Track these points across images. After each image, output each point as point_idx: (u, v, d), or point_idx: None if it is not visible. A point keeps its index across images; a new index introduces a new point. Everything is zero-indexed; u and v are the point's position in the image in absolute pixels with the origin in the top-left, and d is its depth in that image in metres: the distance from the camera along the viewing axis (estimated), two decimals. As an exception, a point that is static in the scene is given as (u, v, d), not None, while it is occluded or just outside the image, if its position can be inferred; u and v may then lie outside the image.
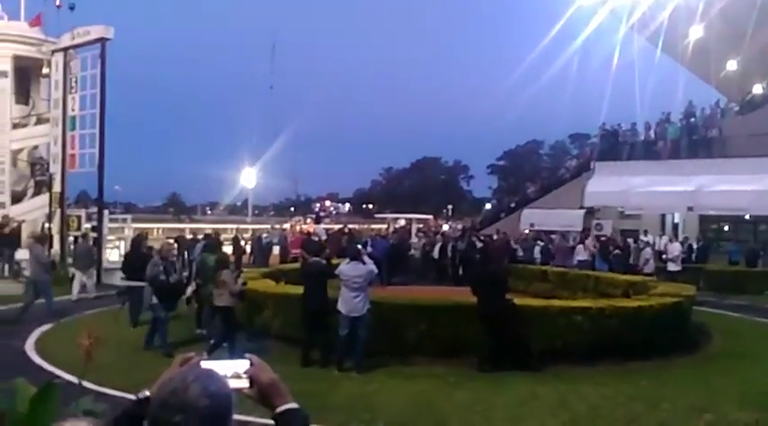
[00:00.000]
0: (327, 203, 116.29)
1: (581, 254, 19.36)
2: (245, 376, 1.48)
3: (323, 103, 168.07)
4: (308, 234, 22.41)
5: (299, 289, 9.84)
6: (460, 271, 21.73)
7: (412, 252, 23.80)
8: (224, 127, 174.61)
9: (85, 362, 3.22)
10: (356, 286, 8.90)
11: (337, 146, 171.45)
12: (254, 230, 29.54)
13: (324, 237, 22.29)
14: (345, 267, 9.12)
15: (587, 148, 36.70)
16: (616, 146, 28.90)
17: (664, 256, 19.82)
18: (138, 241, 13.46)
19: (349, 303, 8.88)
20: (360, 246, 10.95)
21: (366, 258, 9.21)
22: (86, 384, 4.02)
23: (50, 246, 19.71)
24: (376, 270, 9.16)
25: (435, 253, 21.82)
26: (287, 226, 32.21)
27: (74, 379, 4.39)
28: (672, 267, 18.73)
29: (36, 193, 21.27)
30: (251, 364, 1.50)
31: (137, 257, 12.38)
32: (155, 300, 9.97)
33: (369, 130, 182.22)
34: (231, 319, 9.66)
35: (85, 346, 3.26)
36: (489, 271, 9.85)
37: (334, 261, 10.74)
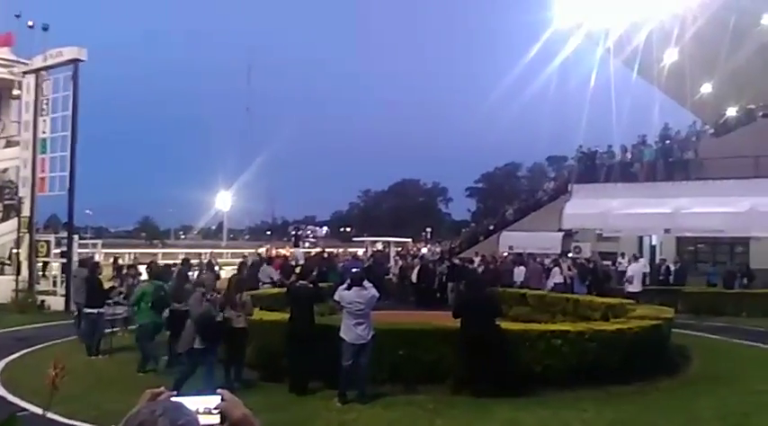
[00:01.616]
0: (308, 230, 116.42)
1: (556, 277, 19.46)
2: (215, 411, 1.45)
3: (300, 124, 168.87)
4: (285, 258, 22.30)
5: (276, 316, 9.75)
6: (438, 295, 21.94)
7: (390, 276, 23.87)
8: (199, 149, 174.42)
9: (51, 393, 3.15)
10: (360, 312, 8.72)
11: (315, 168, 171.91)
12: (232, 253, 29.38)
13: (302, 261, 22.23)
14: (346, 293, 8.88)
15: (565, 171, 37.26)
16: (593, 168, 29.29)
17: (624, 278, 19.94)
18: (93, 267, 13.27)
19: (353, 330, 8.71)
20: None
21: (367, 283, 9.00)
22: (52, 416, 3.93)
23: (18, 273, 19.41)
24: (378, 295, 9.07)
25: (413, 277, 21.90)
26: (262, 250, 32.06)
27: (39, 411, 4.29)
28: (631, 288, 18.79)
29: (4, 218, 20.94)
30: (222, 399, 1.48)
31: (92, 283, 12.33)
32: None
33: (347, 152, 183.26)
34: (245, 341, 9.62)
35: (51, 376, 3.19)
36: (481, 295, 9.77)
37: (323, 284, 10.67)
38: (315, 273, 10.45)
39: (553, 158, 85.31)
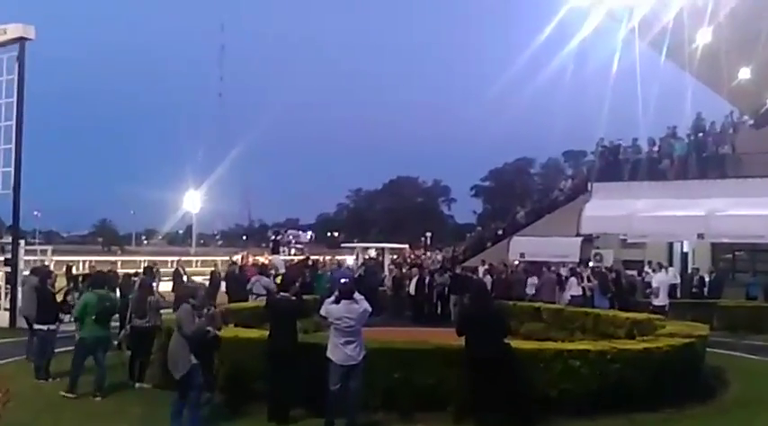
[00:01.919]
0: (290, 235, 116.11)
1: (574, 289, 19.53)
2: None
3: (281, 114, 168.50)
4: (264, 266, 22.26)
5: (253, 333, 9.72)
6: (439, 309, 22.01)
7: (384, 287, 23.88)
8: (165, 142, 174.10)
9: (-6, 422, 3.15)
10: (350, 329, 8.69)
11: (298, 164, 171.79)
12: (202, 261, 29.39)
13: (282, 270, 22.20)
14: (334, 307, 8.84)
15: (584, 167, 37.35)
16: (616, 164, 29.37)
17: (648, 290, 20.04)
18: (45, 276, 13.14)
19: (341, 350, 8.67)
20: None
21: (357, 295, 8.96)
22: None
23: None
24: (370, 310, 9.03)
25: (411, 289, 21.94)
26: (237, 257, 32.07)
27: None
28: (657, 301, 18.90)
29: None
30: None
31: (44, 295, 12.29)
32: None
33: (335, 146, 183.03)
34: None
35: (-6, 402, 3.18)
36: (488, 310, 9.74)
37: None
38: (298, 284, 10.38)
39: (570, 153, 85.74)
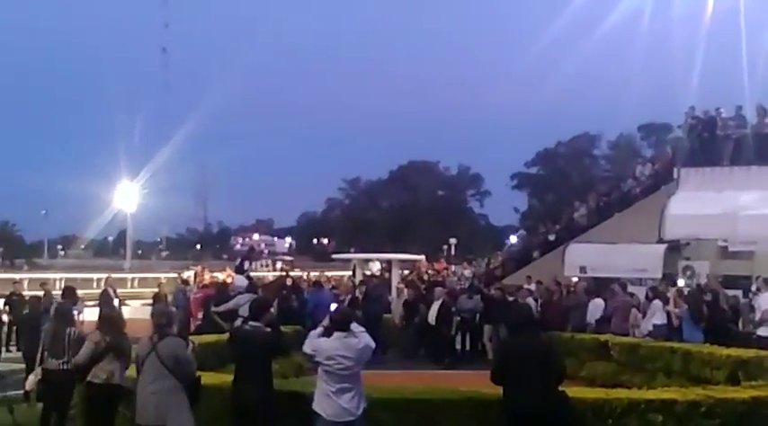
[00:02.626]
0: (256, 236, 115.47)
1: (656, 316, 19.33)
2: None
3: (249, 84, 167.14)
4: (225, 285, 22.28)
5: (211, 378, 9.69)
6: (468, 345, 21.95)
7: (391, 314, 23.85)
8: (89, 120, 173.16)
9: None
10: (345, 373, 8.71)
11: (271, 147, 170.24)
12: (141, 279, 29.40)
13: (243, 301, 22.11)
14: (325, 342, 8.88)
15: (667, 147, 37.08)
16: (713, 142, 29.25)
17: (751, 315, 19.96)
18: None
19: (333, 401, 8.68)
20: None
21: (356, 326, 9.03)
22: None
23: None
24: (373, 346, 9.05)
25: (430, 317, 21.87)
26: (189, 274, 31.91)
27: None
28: (763, 331, 18.77)
29: None
30: None
31: None
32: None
33: (321, 124, 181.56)
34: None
35: None
36: (535, 345, 9.61)
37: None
38: (273, 310, 10.39)
39: (649, 127, 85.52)
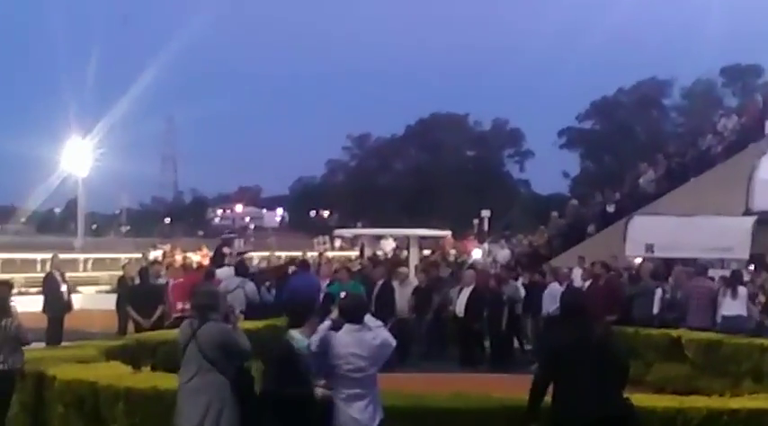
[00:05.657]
0: (239, 208, 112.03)
1: (739, 306, 18.16)
2: None
3: (229, 13, 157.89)
4: (200, 268, 21.76)
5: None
6: (506, 341, 20.95)
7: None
8: (29, 66, 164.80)
9: None
10: (358, 374, 8.13)
11: (257, 99, 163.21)
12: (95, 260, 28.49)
13: (238, 310, 21.20)
14: (335, 336, 8.24)
15: (757, 95, 35.91)
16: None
17: None
18: None
19: (345, 412, 8.14)
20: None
21: (369, 317, 8.43)
22: None
23: None
24: (393, 343, 8.43)
25: (458, 307, 20.38)
26: (156, 254, 30.62)
27: None
28: None
29: None
30: None
31: None
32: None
33: (321, 66, 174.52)
34: None
35: None
36: (588, 341, 8.71)
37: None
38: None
39: (733, 70, 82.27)
